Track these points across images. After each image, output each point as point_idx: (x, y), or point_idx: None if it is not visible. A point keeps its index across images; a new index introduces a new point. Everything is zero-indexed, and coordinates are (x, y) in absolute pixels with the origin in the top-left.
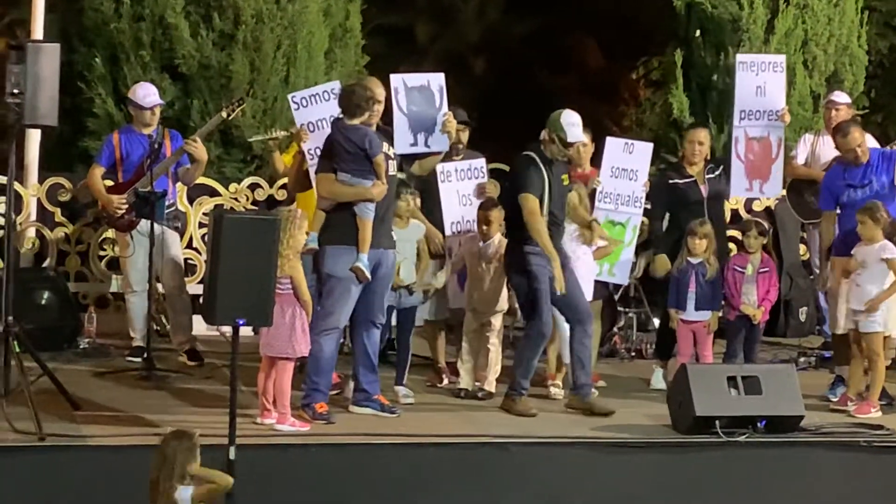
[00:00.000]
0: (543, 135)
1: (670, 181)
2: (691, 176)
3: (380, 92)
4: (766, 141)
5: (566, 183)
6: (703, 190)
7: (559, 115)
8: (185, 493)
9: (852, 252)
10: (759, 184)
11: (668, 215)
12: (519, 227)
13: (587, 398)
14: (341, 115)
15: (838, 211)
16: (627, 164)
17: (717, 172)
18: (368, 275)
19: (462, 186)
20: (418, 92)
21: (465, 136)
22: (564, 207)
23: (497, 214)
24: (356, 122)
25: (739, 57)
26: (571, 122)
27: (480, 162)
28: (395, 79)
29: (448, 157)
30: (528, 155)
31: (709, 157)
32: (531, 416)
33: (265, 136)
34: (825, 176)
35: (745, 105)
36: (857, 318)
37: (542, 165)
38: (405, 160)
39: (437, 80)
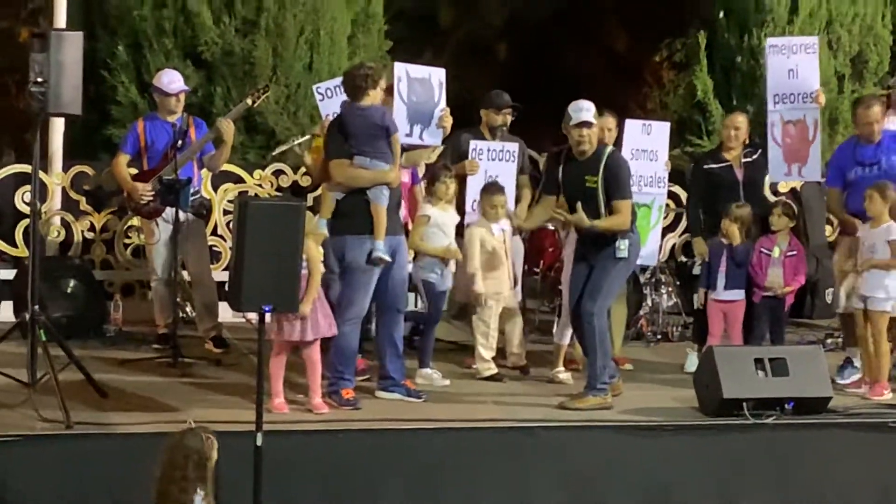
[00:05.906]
0: None
1: (705, 166)
2: (727, 161)
3: (382, 72)
4: (801, 123)
5: None
6: (739, 174)
7: None
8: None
9: (858, 234)
10: (798, 167)
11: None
12: None
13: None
14: (350, 102)
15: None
16: (647, 145)
17: (754, 157)
18: (389, 259)
19: (491, 167)
20: (419, 84)
21: (507, 120)
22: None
23: (502, 199)
24: (367, 101)
25: (770, 41)
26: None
27: (514, 146)
28: (399, 67)
29: (489, 138)
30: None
31: (747, 142)
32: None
33: (289, 144)
34: (835, 152)
35: (778, 88)
36: (867, 299)
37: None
38: None
39: (437, 75)
